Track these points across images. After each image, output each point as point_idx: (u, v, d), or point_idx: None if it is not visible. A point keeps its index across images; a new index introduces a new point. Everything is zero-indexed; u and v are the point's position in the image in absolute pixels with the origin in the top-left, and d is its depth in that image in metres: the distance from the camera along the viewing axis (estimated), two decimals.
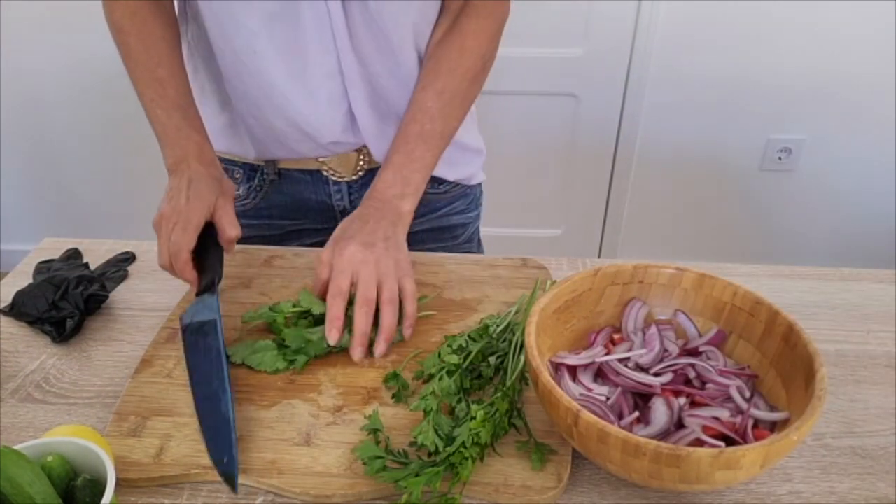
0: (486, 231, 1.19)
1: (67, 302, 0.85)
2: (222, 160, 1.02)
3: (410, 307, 0.80)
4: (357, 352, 0.76)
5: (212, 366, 0.73)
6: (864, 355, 0.82)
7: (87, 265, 0.96)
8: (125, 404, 0.72)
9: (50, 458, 0.58)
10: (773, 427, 0.64)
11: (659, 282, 0.76)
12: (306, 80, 0.89)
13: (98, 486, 0.57)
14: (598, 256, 2.45)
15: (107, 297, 0.89)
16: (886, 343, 0.84)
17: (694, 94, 2.11)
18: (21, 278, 0.93)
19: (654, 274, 0.76)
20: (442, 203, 1.07)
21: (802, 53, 2.02)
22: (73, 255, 0.98)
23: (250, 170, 1.03)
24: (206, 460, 0.66)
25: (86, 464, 0.59)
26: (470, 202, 1.12)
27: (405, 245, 0.84)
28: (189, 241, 0.80)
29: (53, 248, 1.00)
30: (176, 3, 0.94)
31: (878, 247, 2.31)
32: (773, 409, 0.66)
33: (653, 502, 0.65)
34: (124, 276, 0.94)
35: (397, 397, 0.73)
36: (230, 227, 0.83)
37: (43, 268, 0.95)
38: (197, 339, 0.76)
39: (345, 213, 1.04)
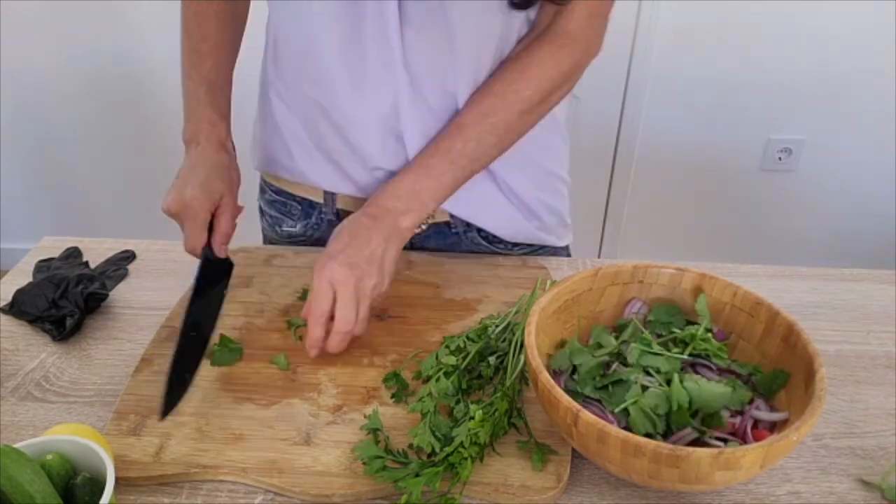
0: None
1: (67, 300, 0.85)
2: (281, 193, 1.00)
3: (359, 329, 0.76)
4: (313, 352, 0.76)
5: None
6: (865, 356, 0.82)
7: (86, 263, 0.96)
8: (125, 403, 0.72)
9: (50, 457, 0.58)
10: (773, 427, 0.64)
11: (659, 282, 0.76)
12: (362, 87, 0.83)
13: (98, 485, 0.57)
14: (598, 256, 2.45)
15: (107, 295, 0.88)
16: (887, 344, 0.84)
17: (694, 94, 2.10)
18: (21, 277, 0.93)
19: (654, 274, 0.76)
20: (510, 261, 0.97)
21: (802, 53, 2.02)
22: (73, 254, 0.98)
23: (309, 207, 0.99)
24: (205, 459, 0.66)
25: (85, 462, 0.59)
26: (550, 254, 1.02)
27: (392, 264, 0.78)
28: (199, 238, 0.82)
29: (53, 246, 0.99)
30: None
31: (879, 247, 2.31)
32: (772, 409, 0.66)
33: (652, 502, 0.65)
34: (124, 275, 0.94)
35: (397, 397, 0.73)
36: (221, 236, 0.84)
37: (43, 266, 0.94)
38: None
39: None
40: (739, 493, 0.65)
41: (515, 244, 0.99)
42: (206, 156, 0.85)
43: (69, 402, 0.74)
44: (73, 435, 0.60)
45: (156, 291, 0.91)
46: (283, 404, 0.73)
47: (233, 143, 0.91)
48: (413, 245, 0.97)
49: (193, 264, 0.95)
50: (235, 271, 0.92)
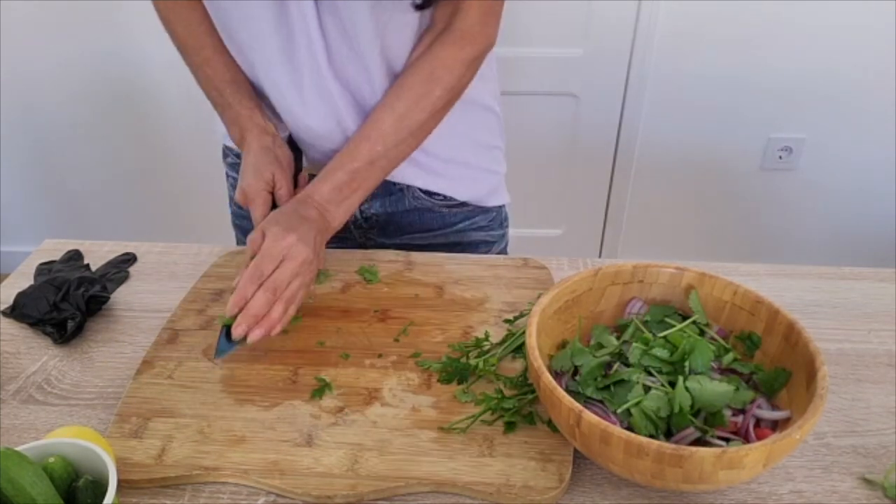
0: None
1: (68, 303, 0.85)
2: (240, 157, 1.03)
3: (283, 323, 0.78)
4: (240, 329, 0.74)
5: None
6: (866, 354, 0.82)
7: (87, 266, 0.96)
8: (126, 405, 0.72)
9: (52, 460, 0.58)
10: (775, 426, 0.64)
11: (659, 281, 0.76)
12: (302, 88, 0.89)
13: (100, 488, 0.57)
14: (599, 256, 2.45)
15: (108, 298, 0.88)
16: (887, 342, 0.84)
17: (694, 94, 2.10)
18: (22, 280, 0.93)
19: (654, 273, 0.76)
20: (458, 218, 1.05)
21: (802, 52, 2.02)
22: (74, 257, 0.98)
23: None
24: (207, 461, 0.66)
25: (87, 465, 0.59)
26: (492, 219, 1.08)
27: (323, 258, 0.85)
28: (260, 216, 0.88)
29: (54, 249, 0.99)
30: None
31: (879, 246, 2.31)
32: (774, 408, 0.66)
33: (655, 502, 0.64)
34: (125, 278, 0.94)
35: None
36: (284, 201, 0.89)
37: (44, 269, 0.95)
38: None
39: (356, 222, 1.03)
40: (742, 492, 0.65)
41: (451, 198, 1.03)
42: (252, 146, 0.92)
43: (71, 405, 0.74)
44: (75, 437, 0.60)
45: (156, 294, 0.91)
46: (284, 406, 0.73)
47: (273, 121, 0.96)
48: (361, 208, 1.01)
49: (194, 266, 0.95)
50: (235, 273, 0.92)
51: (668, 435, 0.63)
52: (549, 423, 0.69)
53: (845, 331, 0.85)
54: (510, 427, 0.69)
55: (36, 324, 0.85)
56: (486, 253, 1.08)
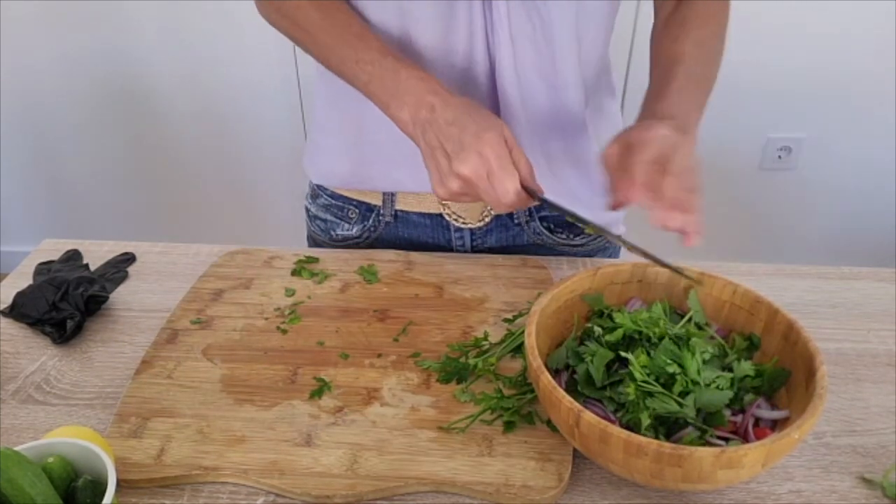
0: None
1: (68, 303, 0.85)
2: (337, 198, 1.01)
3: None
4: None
5: None
6: (865, 354, 0.82)
7: (87, 266, 0.96)
8: (126, 405, 0.72)
9: (51, 460, 0.58)
10: (774, 426, 0.64)
11: (658, 281, 0.76)
12: (458, 79, 0.83)
13: (99, 487, 0.57)
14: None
15: (107, 298, 0.88)
16: (887, 341, 0.84)
17: None
18: (21, 279, 0.93)
19: (653, 273, 0.76)
20: (578, 257, 1.01)
21: (802, 52, 2.02)
22: (73, 257, 0.98)
23: (366, 210, 0.99)
24: (207, 461, 0.66)
25: (87, 465, 0.59)
26: (609, 256, 1.07)
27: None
28: (516, 181, 0.70)
29: (53, 249, 0.99)
30: None
31: (879, 246, 2.31)
32: (773, 407, 0.66)
33: (654, 501, 0.65)
34: (124, 277, 0.94)
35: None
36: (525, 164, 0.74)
37: (43, 269, 0.94)
38: None
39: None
40: (741, 492, 0.65)
41: (577, 234, 1.01)
42: (458, 101, 0.74)
43: (70, 405, 0.74)
44: (74, 437, 0.60)
45: (156, 294, 0.91)
46: (283, 406, 0.73)
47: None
48: (473, 241, 0.99)
49: (193, 266, 0.95)
50: (235, 273, 0.92)
51: (668, 435, 0.63)
52: (549, 422, 0.69)
53: (845, 330, 0.85)
54: (509, 427, 0.69)
55: (35, 323, 0.85)
56: None
